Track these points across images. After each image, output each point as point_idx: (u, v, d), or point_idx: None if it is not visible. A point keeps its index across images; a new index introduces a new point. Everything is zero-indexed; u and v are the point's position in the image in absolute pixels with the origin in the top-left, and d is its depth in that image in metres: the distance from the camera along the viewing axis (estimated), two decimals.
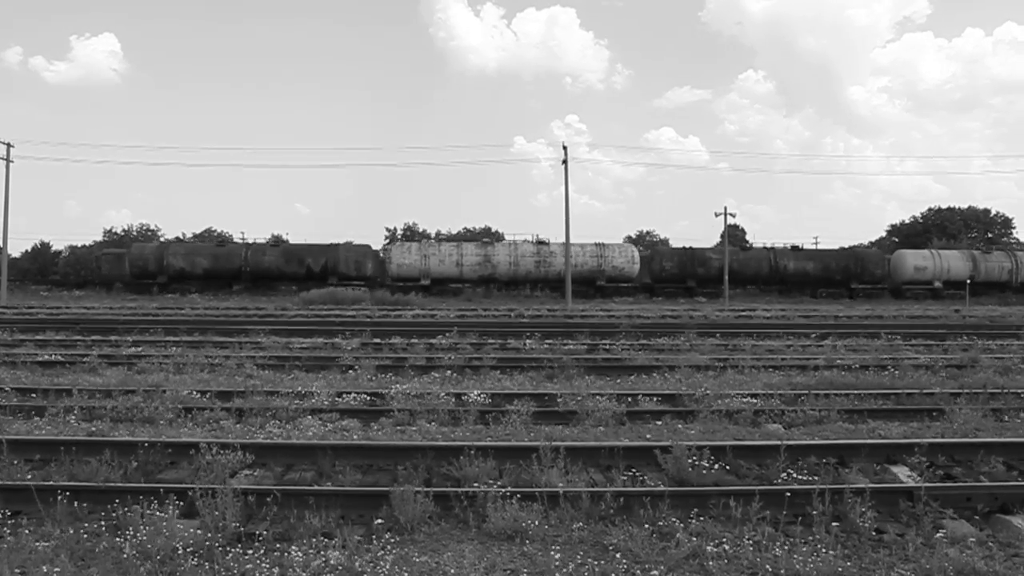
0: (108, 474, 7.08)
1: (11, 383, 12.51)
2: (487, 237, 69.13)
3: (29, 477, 7.09)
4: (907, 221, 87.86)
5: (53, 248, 71.85)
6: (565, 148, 45.93)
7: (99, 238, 78.27)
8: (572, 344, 19.77)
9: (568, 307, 39.59)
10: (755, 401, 11.19)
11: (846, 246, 65.16)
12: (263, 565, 5.09)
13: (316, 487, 6.86)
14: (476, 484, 6.73)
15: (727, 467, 7.62)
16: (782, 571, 5.14)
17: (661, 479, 7.38)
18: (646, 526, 5.93)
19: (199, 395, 11.43)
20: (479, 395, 11.30)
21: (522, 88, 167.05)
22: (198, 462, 7.37)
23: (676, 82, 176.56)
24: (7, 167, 45.74)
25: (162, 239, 79.86)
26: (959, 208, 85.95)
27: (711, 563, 5.32)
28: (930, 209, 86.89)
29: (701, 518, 6.11)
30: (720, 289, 51.40)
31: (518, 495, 6.26)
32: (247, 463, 7.58)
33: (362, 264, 53.06)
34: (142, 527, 5.51)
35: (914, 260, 54.28)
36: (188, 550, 5.27)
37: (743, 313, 35.11)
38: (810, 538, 5.73)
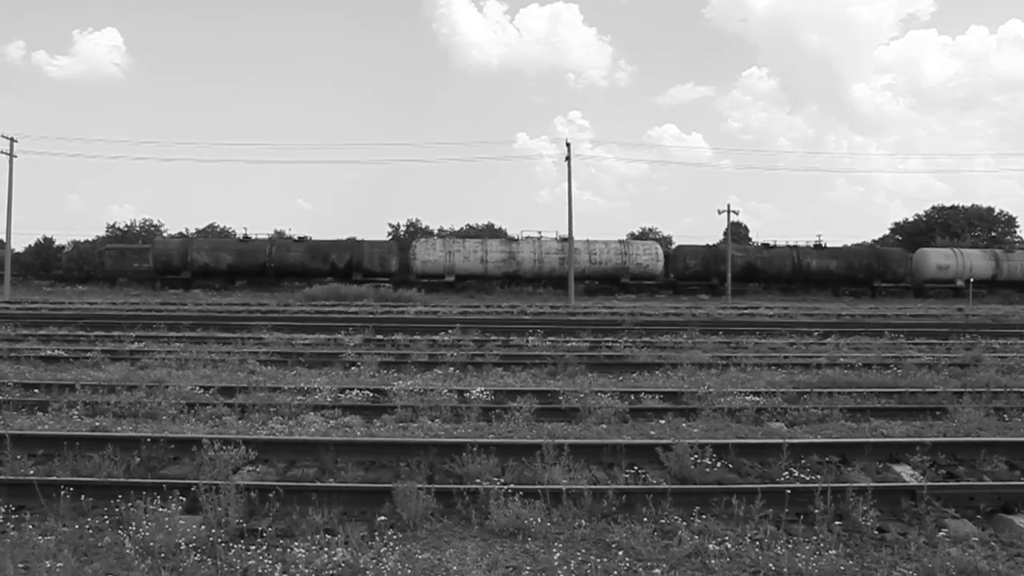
0: (111, 469, 7.10)
1: (14, 378, 12.54)
2: (490, 234, 69.17)
3: (32, 472, 7.12)
4: (911, 219, 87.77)
5: (56, 243, 72.09)
6: (568, 145, 45.95)
7: (102, 233, 78.33)
8: (575, 341, 19.77)
9: (571, 304, 39.58)
10: (758, 399, 11.17)
11: (856, 243, 64.96)
12: (266, 561, 5.10)
13: (319, 483, 6.88)
14: (479, 481, 6.73)
15: (729, 465, 7.62)
16: (784, 570, 5.14)
17: (663, 477, 7.38)
18: (648, 524, 5.94)
19: (202, 391, 11.45)
20: (482, 392, 11.30)
21: (525, 84, 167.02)
22: (201, 458, 7.39)
23: (679, 79, 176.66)
24: (10, 162, 45.82)
25: (165, 234, 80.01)
26: (963, 206, 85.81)
27: (713, 561, 5.32)
28: (934, 207, 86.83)
29: (703, 516, 6.11)
30: (744, 287, 51.50)
31: (520, 492, 6.27)
32: (250, 459, 7.59)
33: (387, 260, 52.98)
34: (145, 523, 5.52)
35: (936, 259, 54.12)
36: (191, 546, 5.28)
37: (746, 311, 35.07)
38: (812, 537, 5.73)
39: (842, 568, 5.18)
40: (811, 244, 54.97)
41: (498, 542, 5.74)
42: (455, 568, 5.17)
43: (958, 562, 5.21)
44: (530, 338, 20.02)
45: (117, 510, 5.97)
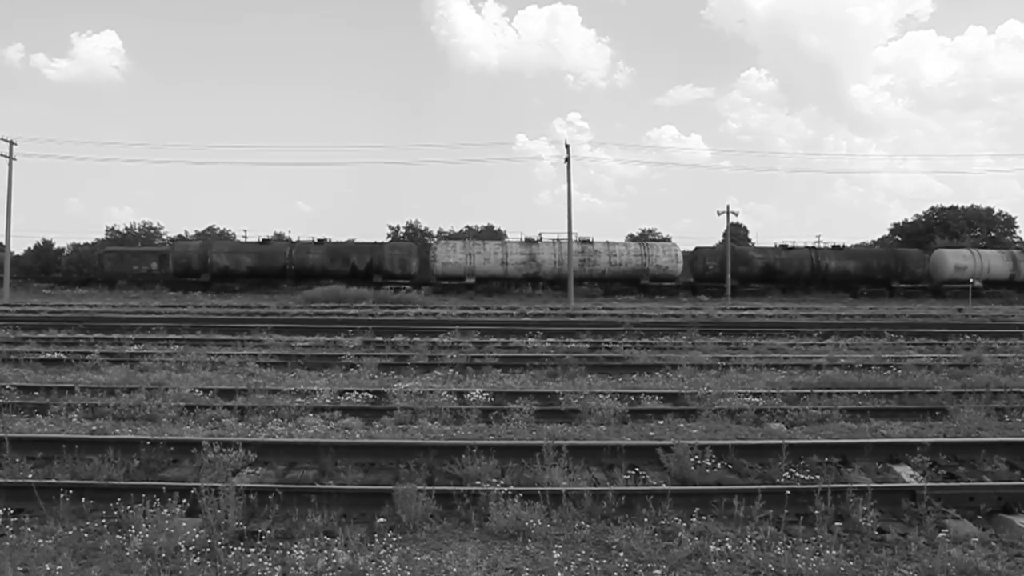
0: (110, 472, 7.09)
1: (14, 381, 12.52)
2: (490, 235, 69.16)
3: (31, 475, 7.10)
4: (910, 220, 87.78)
5: (55, 246, 72.10)
6: (567, 146, 45.99)
7: (101, 236, 78.40)
8: (574, 343, 19.77)
9: (570, 306, 39.57)
10: (757, 400, 11.17)
11: (855, 243, 64.87)
12: (265, 564, 5.09)
13: (318, 485, 6.87)
14: (478, 483, 6.72)
15: (729, 466, 7.62)
16: (784, 571, 5.14)
17: (663, 478, 7.38)
18: (648, 525, 5.93)
19: (201, 393, 11.44)
20: (481, 393, 11.30)
21: (524, 86, 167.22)
22: (200, 460, 7.38)
23: (678, 80, 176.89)
24: (9, 164, 45.83)
25: (165, 237, 79.99)
26: (962, 207, 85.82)
27: (713, 562, 5.32)
28: (933, 208, 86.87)
29: (703, 517, 6.10)
30: (766, 287, 51.61)
31: (520, 494, 6.26)
32: (249, 461, 7.59)
33: (407, 262, 52.96)
34: (144, 525, 5.52)
35: (954, 259, 54.21)
36: (190, 548, 5.27)
37: (745, 312, 35.06)
38: (812, 538, 5.72)
39: (842, 569, 5.17)
40: (828, 245, 55.14)
41: (498, 544, 5.74)
42: (455, 570, 5.16)
43: (958, 563, 5.20)
44: (529, 340, 20.02)
45: (117, 513, 5.96)
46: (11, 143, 46.05)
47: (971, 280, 49.54)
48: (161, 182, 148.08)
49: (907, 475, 7.61)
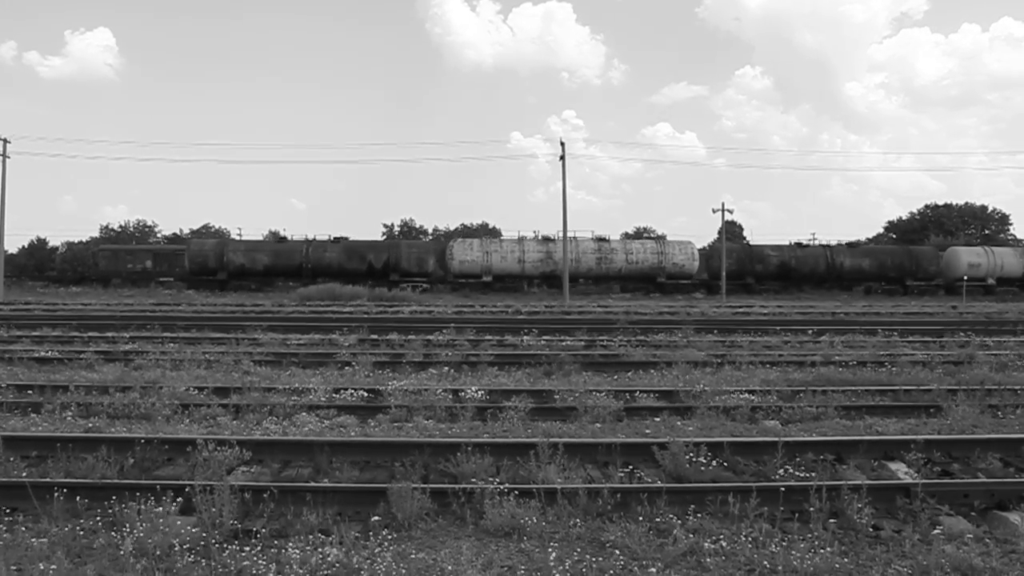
0: (105, 471, 7.08)
1: (7, 379, 12.49)
2: (486, 233, 69.14)
3: (25, 474, 7.08)
4: (904, 217, 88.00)
5: (50, 244, 71.89)
6: (563, 144, 45.88)
7: (96, 234, 78.15)
8: (569, 340, 19.76)
9: (566, 303, 39.58)
10: (752, 397, 11.19)
11: (850, 240, 64.82)
12: (260, 562, 5.08)
13: (313, 484, 6.86)
14: (473, 481, 6.72)
15: (725, 464, 7.62)
16: (779, 568, 5.14)
17: (659, 476, 7.38)
18: (644, 523, 5.94)
19: (196, 391, 11.42)
20: (476, 391, 11.29)
21: (519, 84, 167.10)
22: (195, 458, 7.37)
23: (673, 78, 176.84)
24: (3, 162, 45.59)
25: (159, 235, 79.84)
26: (956, 204, 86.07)
27: (708, 560, 5.32)
28: (927, 206, 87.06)
29: (699, 515, 6.10)
30: (781, 285, 51.65)
31: (515, 492, 6.27)
32: (244, 459, 7.57)
33: (424, 260, 52.85)
34: (139, 524, 5.50)
35: (968, 257, 54.32)
36: (185, 547, 5.27)
37: (740, 310, 35.11)
38: (807, 535, 5.74)
39: (837, 566, 5.19)
40: (844, 243, 55.31)
41: (493, 542, 5.74)
42: (450, 568, 5.16)
43: (953, 559, 5.22)
44: (525, 337, 20.01)
45: (111, 511, 5.94)
46: (5, 141, 45.80)
47: (964, 278, 49.69)
48: (155, 180, 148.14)
49: (902, 472, 7.63)
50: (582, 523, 6.01)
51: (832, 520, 5.97)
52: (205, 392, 11.38)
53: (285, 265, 51.96)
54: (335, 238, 54.01)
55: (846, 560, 5.36)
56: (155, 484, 6.37)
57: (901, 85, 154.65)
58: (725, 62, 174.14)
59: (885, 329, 22.66)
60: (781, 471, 7.44)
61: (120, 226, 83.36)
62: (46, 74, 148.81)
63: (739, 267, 53.16)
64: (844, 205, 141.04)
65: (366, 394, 11.54)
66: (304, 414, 10.06)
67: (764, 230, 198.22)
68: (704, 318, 28.61)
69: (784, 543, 5.50)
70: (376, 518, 5.94)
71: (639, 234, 78.62)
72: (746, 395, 11.36)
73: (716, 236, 59.54)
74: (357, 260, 51.92)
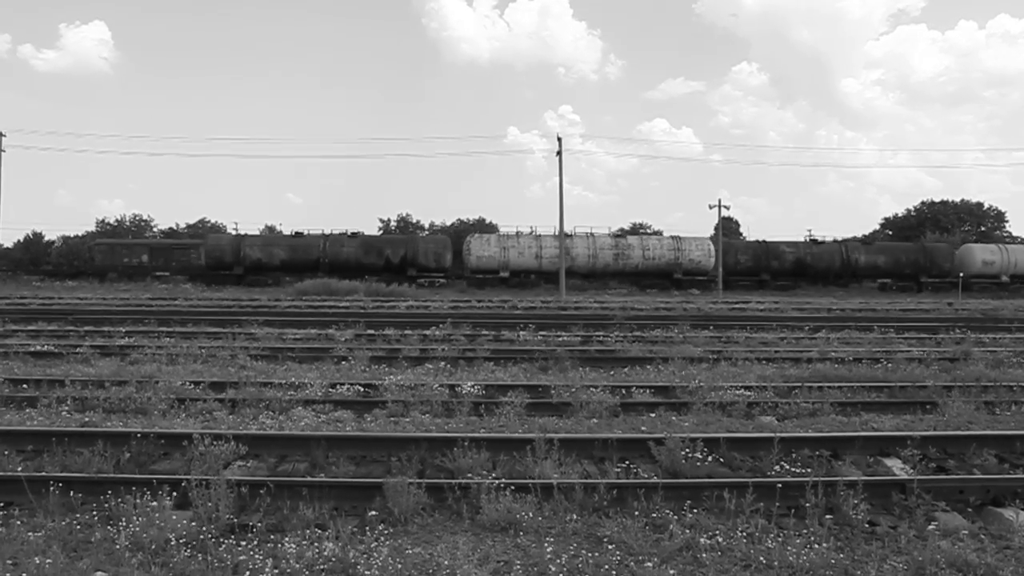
0: (101, 465, 7.06)
1: (3, 373, 12.45)
2: (481, 229, 69.05)
3: (21, 468, 7.06)
4: (900, 214, 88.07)
5: (45, 238, 71.67)
6: (559, 139, 46.10)
7: (91, 228, 77.91)
8: (566, 336, 19.77)
9: (562, 299, 39.59)
10: (748, 393, 11.21)
11: (847, 237, 64.92)
12: (256, 556, 5.08)
13: (309, 478, 6.86)
14: (470, 476, 6.73)
15: (721, 459, 7.64)
16: (775, 563, 5.16)
17: (655, 471, 7.39)
18: (640, 518, 5.94)
19: (192, 386, 11.40)
20: (473, 386, 11.29)
21: (515, 79, 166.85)
22: (191, 453, 7.35)
23: (670, 73, 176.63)
24: None
25: (155, 229, 79.66)
26: (952, 201, 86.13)
27: (704, 555, 5.33)
28: (923, 202, 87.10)
29: (695, 510, 6.11)
30: (796, 282, 51.77)
31: (512, 487, 6.26)
32: (240, 454, 7.56)
33: (441, 256, 52.70)
34: (135, 518, 5.50)
35: (982, 254, 54.55)
36: (181, 541, 5.26)
37: (736, 306, 35.16)
38: (803, 530, 5.75)
39: (833, 561, 5.20)
40: (858, 239, 55.39)
41: (489, 536, 5.74)
42: (446, 562, 5.17)
43: (948, 555, 5.23)
44: (521, 333, 20.01)
45: (107, 505, 5.93)
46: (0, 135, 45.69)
47: (960, 275, 49.79)
48: (151, 174, 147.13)
49: (897, 468, 7.65)
50: (578, 518, 6.02)
51: (828, 516, 5.99)
52: (201, 387, 11.36)
53: (302, 260, 51.67)
54: (352, 233, 53.65)
55: (842, 556, 5.37)
56: (151, 479, 6.36)
57: (898, 82, 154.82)
58: (722, 58, 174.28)
59: (881, 326, 22.70)
60: (777, 467, 7.45)
61: (116, 220, 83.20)
62: (41, 68, 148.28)
63: (755, 263, 53.26)
64: (840, 201, 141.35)
65: (362, 389, 11.53)
66: (300, 409, 10.05)
67: (760, 226, 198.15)
68: (701, 314, 28.65)
69: (780, 539, 5.51)
70: (372, 513, 5.93)
71: (635, 229, 78.59)
72: (742, 391, 11.37)
73: (712, 232, 59.45)
74: (374, 255, 51.76)
